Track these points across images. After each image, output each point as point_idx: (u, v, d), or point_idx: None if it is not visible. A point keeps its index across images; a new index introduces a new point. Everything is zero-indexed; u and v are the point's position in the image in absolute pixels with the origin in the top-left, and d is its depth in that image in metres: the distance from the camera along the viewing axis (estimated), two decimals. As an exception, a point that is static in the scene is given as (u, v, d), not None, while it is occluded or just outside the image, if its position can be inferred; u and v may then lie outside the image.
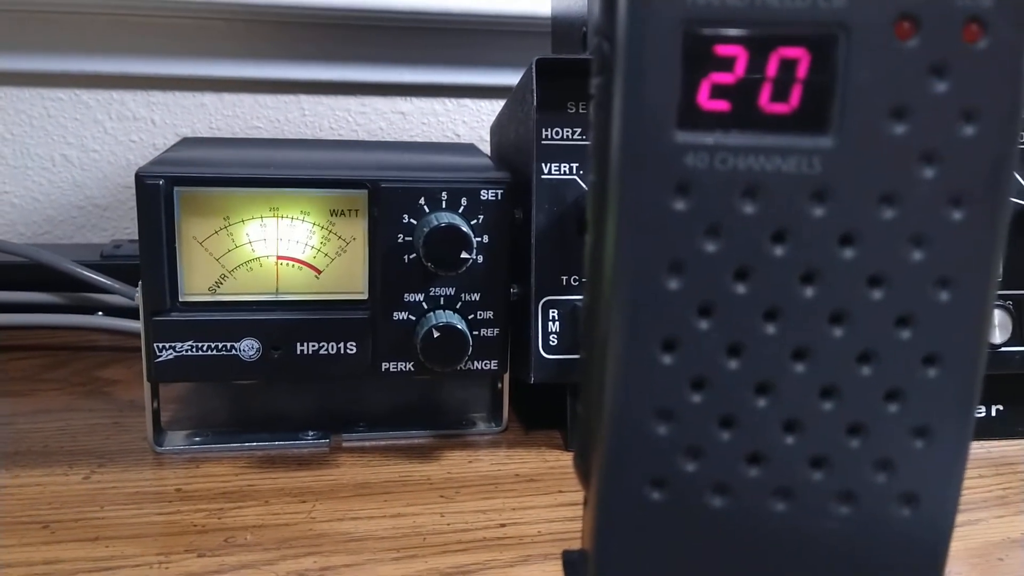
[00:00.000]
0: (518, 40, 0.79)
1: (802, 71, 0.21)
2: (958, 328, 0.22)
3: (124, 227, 0.79)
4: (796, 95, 0.22)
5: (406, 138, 0.82)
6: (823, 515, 0.24)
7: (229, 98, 0.78)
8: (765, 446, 0.23)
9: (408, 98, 0.81)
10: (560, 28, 0.65)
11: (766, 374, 0.23)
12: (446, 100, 0.82)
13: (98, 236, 0.79)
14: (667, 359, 0.23)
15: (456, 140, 0.83)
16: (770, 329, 0.23)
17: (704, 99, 0.22)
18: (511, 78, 0.80)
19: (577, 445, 0.27)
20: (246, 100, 0.79)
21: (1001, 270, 0.22)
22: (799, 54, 0.21)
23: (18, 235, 0.78)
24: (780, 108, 0.22)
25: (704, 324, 0.23)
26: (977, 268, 0.22)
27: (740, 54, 0.21)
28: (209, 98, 0.78)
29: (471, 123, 0.83)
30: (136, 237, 0.67)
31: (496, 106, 0.83)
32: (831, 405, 0.23)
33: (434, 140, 0.82)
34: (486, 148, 0.76)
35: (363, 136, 0.81)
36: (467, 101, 0.82)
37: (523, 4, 0.76)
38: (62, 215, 0.78)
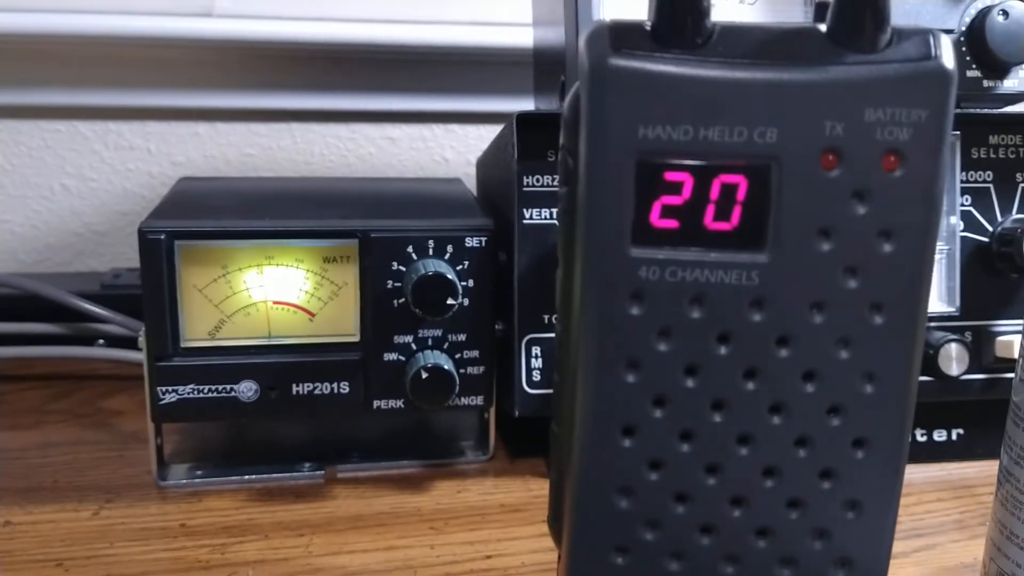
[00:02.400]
0: (502, 70, 0.81)
1: (741, 195, 0.24)
2: (883, 415, 0.25)
3: (122, 252, 0.81)
4: (736, 215, 0.24)
5: (396, 163, 0.85)
6: (768, 577, 0.27)
7: (223, 127, 0.81)
8: (715, 518, 0.26)
9: (397, 124, 0.84)
10: (541, 61, 0.67)
11: (714, 456, 0.26)
12: (434, 126, 0.84)
13: (97, 262, 0.81)
14: (627, 442, 0.26)
15: (444, 163, 0.85)
16: (717, 418, 0.25)
17: (656, 218, 0.24)
18: (496, 105, 0.83)
19: (551, 509, 0.30)
20: (239, 129, 0.81)
21: (920, 364, 0.25)
22: (738, 180, 0.24)
23: (18, 262, 0.80)
24: (722, 226, 0.24)
25: (658, 413, 0.25)
26: (898, 364, 0.25)
27: (687, 179, 0.24)
28: (203, 127, 0.81)
29: (458, 148, 0.85)
30: (135, 266, 0.70)
31: (482, 131, 0.86)
32: (772, 483, 0.26)
33: (423, 164, 0.85)
34: (473, 172, 0.79)
35: (353, 161, 0.84)
36: (454, 127, 0.85)
37: (505, 38, 0.79)
38: (61, 242, 0.81)
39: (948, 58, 0.24)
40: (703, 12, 0.23)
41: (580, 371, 0.25)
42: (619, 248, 0.24)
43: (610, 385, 0.25)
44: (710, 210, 0.24)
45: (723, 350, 0.25)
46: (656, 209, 0.24)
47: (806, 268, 0.24)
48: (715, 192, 0.24)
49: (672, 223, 0.24)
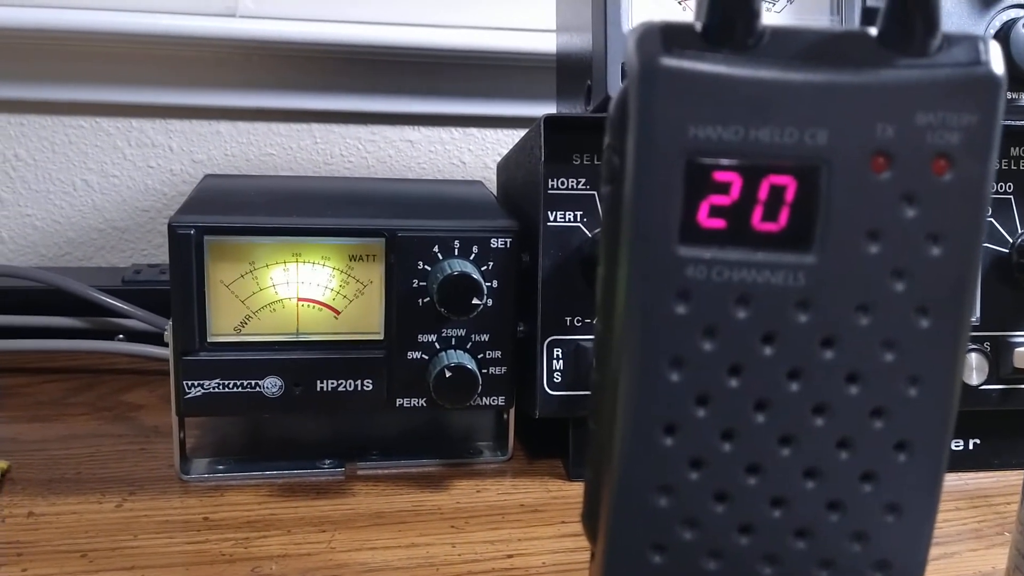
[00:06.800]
0: (522, 74, 0.82)
1: (789, 196, 0.24)
2: (925, 420, 0.25)
3: (142, 249, 0.81)
4: (784, 216, 0.25)
5: (414, 165, 0.85)
6: (805, 578, 0.27)
7: (244, 126, 0.81)
8: (755, 519, 0.26)
9: (416, 127, 0.84)
10: (566, 66, 0.68)
11: (756, 457, 0.26)
12: (453, 129, 0.85)
13: (117, 257, 0.81)
14: (668, 441, 0.26)
15: (462, 167, 0.86)
16: (759, 418, 0.26)
17: (703, 218, 0.25)
18: (515, 109, 0.83)
19: (586, 506, 0.30)
20: (260, 128, 0.82)
21: (963, 369, 0.25)
22: (787, 181, 0.24)
23: (39, 256, 0.81)
24: (770, 227, 0.25)
25: (701, 412, 0.26)
26: (942, 367, 0.25)
27: (735, 180, 0.24)
28: (224, 126, 0.81)
29: (476, 151, 0.86)
30: (155, 262, 0.70)
31: (500, 135, 0.86)
32: (813, 484, 0.26)
33: (440, 167, 0.85)
34: (490, 175, 0.79)
35: (372, 163, 0.84)
36: (473, 130, 0.85)
37: (525, 43, 0.79)
38: (82, 237, 0.81)
39: (998, 64, 0.24)
40: (755, 13, 0.24)
41: (623, 369, 0.26)
42: (666, 247, 0.25)
43: (653, 383, 0.25)
44: (758, 211, 0.25)
45: (767, 350, 0.25)
46: (704, 209, 0.25)
47: (853, 270, 0.24)
48: (763, 193, 0.24)
49: (720, 223, 0.25)
